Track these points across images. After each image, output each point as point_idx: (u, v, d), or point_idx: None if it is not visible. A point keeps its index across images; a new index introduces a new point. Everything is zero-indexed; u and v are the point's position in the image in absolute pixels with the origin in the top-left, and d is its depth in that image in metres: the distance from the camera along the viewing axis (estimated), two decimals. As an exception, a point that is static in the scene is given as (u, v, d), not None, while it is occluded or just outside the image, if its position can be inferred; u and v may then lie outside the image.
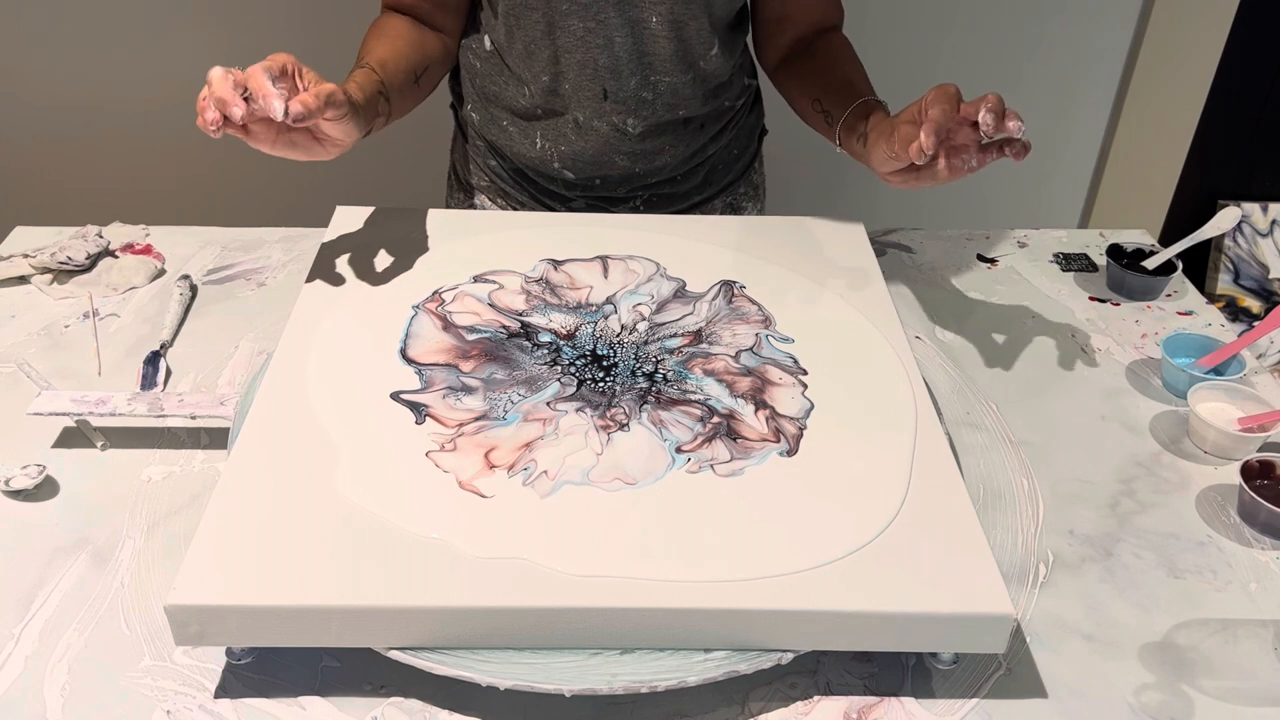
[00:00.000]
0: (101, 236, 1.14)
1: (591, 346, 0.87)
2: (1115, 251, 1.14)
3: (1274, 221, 2.09)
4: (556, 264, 0.97)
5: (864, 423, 0.80)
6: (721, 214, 1.20)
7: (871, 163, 0.92)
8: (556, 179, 1.11)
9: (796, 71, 1.09)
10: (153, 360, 0.97)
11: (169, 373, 0.97)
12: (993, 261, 1.19)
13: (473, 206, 1.20)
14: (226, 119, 0.78)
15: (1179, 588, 0.78)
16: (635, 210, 1.15)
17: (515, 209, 1.17)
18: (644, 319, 0.90)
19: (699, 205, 1.18)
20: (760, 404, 0.81)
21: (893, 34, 1.85)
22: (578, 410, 0.79)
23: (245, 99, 0.78)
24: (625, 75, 1.02)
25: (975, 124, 0.81)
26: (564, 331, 0.88)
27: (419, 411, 0.79)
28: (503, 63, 1.06)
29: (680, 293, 0.94)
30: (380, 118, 0.94)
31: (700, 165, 1.14)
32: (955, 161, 0.84)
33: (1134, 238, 1.21)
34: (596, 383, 0.83)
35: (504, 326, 0.88)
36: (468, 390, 0.81)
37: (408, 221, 1.03)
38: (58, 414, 0.86)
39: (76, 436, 0.88)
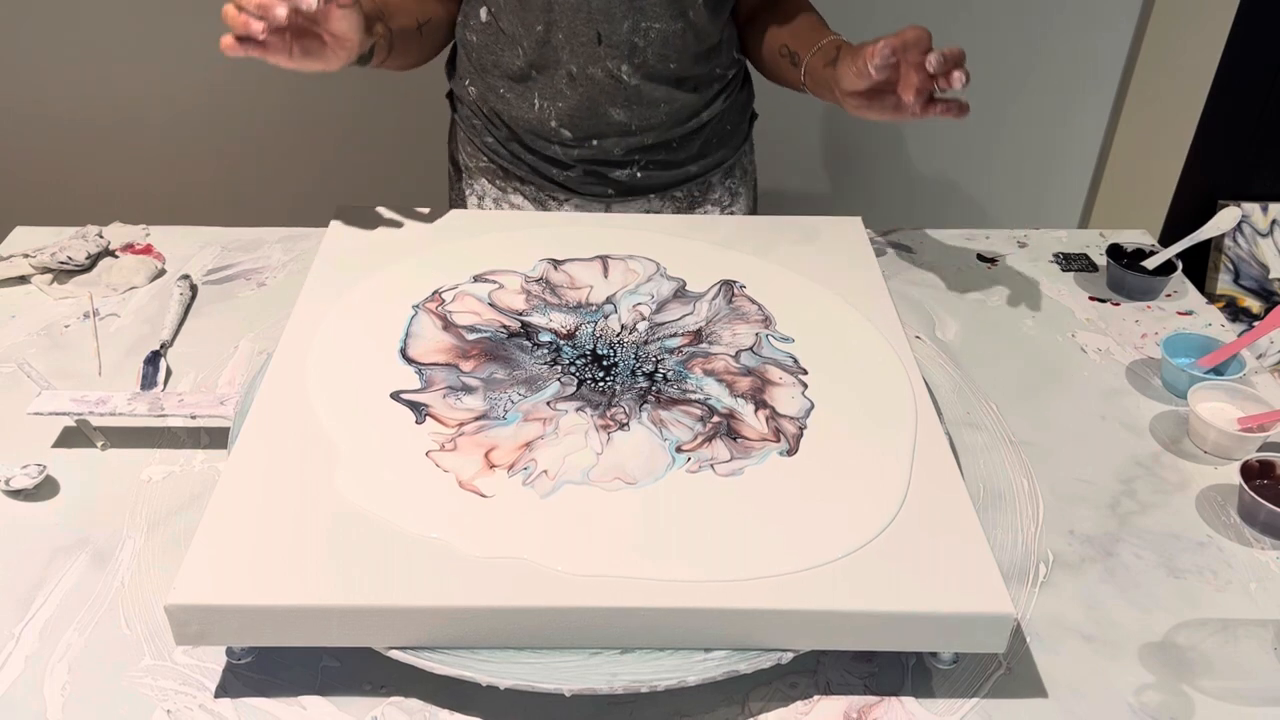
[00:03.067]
0: (101, 236, 1.14)
1: (591, 346, 0.87)
2: (1115, 251, 1.14)
3: (1274, 221, 2.09)
4: (556, 264, 0.97)
5: (864, 423, 0.80)
6: (717, 193, 1.21)
7: (839, 82, 0.98)
8: (554, 140, 1.12)
9: (763, 23, 1.14)
10: (153, 360, 0.97)
11: (169, 373, 0.97)
12: (993, 261, 1.19)
13: (472, 191, 1.21)
14: (245, 38, 0.84)
15: (1179, 588, 0.78)
16: (633, 177, 1.15)
17: (515, 184, 1.18)
18: (644, 319, 0.90)
19: (695, 178, 1.19)
20: (760, 404, 0.81)
21: (892, 31, 1.85)
22: (578, 410, 0.79)
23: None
24: (618, 19, 1.03)
25: (933, 76, 0.89)
26: (564, 331, 0.88)
27: (419, 411, 0.79)
28: (498, 29, 1.07)
29: (680, 292, 0.94)
30: (382, 41, 0.99)
31: (695, 133, 1.15)
32: (902, 100, 0.91)
33: (1134, 238, 1.21)
34: (596, 382, 0.83)
35: (504, 326, 0.88)
36: (468, 390, 0.81)
37: (408, 221, 1.03)
38: (58, 414, 0.86)
39: (76, 436, 0.88)
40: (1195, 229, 1.10)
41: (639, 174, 1.15)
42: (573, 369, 0.84)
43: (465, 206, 1.22)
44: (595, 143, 1.11)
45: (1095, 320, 1.09)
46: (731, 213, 1.22)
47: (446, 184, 1.28)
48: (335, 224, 1.03)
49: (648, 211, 1.18)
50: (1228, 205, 2.02)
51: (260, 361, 0.96)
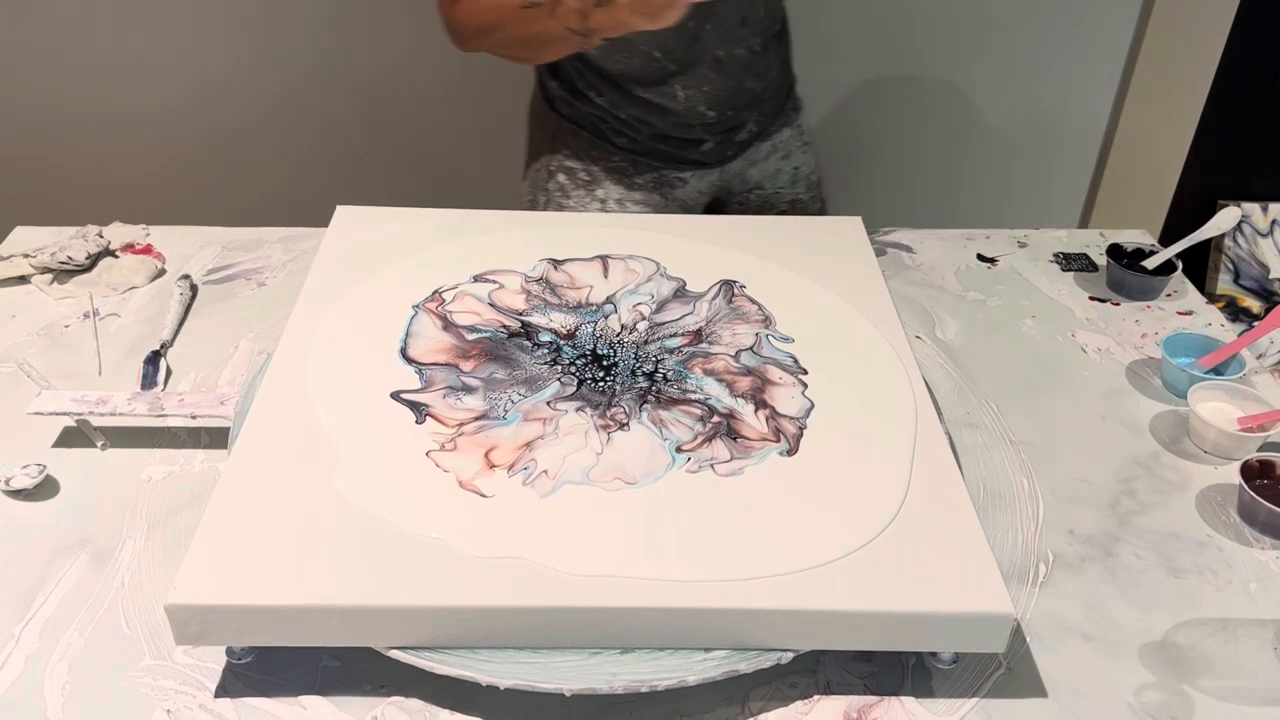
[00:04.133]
0: (102, 236, 1.14)
1: (591, 346, 0.87)
2: (1115, 251, 1.14)
3: (1274, 221, 2.09)
4: (556, 264, 0.97)
5: (864, 423, 0.80)
6: (795, 122, 1.25)
7: None
8: (698, 122, 1.15)
9: None
10: (153, 360, 0.97)
11: (169, 373, 0.97)
12: (993, 261, 1.19)
13: (593, 196, 1.20)
14: None
15: (1179, 587, 0.78)
16: (750, 132, 1.19)
17: (645, 175, 1.19)
18: (644, 319, 0.90)
19: (785, 112, 1.24)
20: (760, 403, 0.81)
21: (892, 33, 1.85)
22: (578, 410, 0.79)
23: None
24: None
25: None
26: (564, 331, 0.88)
27: (419, 411, 0.79)
28: (622, 38, 1.05)
29: (680, 292, 0.94)
30: None
31: (779, 71, 1.21)
32: None
33: (1134, 238, 1.21)
34: (597, 382, 0.83)
35: (504, 326, 0.88)
36: (468, 390, 0.81)
37: (408, 221, 1.03)
38: (58, 414, 0.86)
39: (77, 436, 0.88)
40: (1195, 229, 1.09)
41: (754, 127, 1.20)
42: (573, 369, 0.84)
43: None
44: (731, 113, 1.15)
45: (1095, 320, 1.09)
46: (800, 125, 1.26)
47: (539, 187, 1.24)
48: (335, 224, 1.03)
49: (752, 161, 1.23)
50: (1228, 205, 2.02)
51: (260, 361, 0.96)
